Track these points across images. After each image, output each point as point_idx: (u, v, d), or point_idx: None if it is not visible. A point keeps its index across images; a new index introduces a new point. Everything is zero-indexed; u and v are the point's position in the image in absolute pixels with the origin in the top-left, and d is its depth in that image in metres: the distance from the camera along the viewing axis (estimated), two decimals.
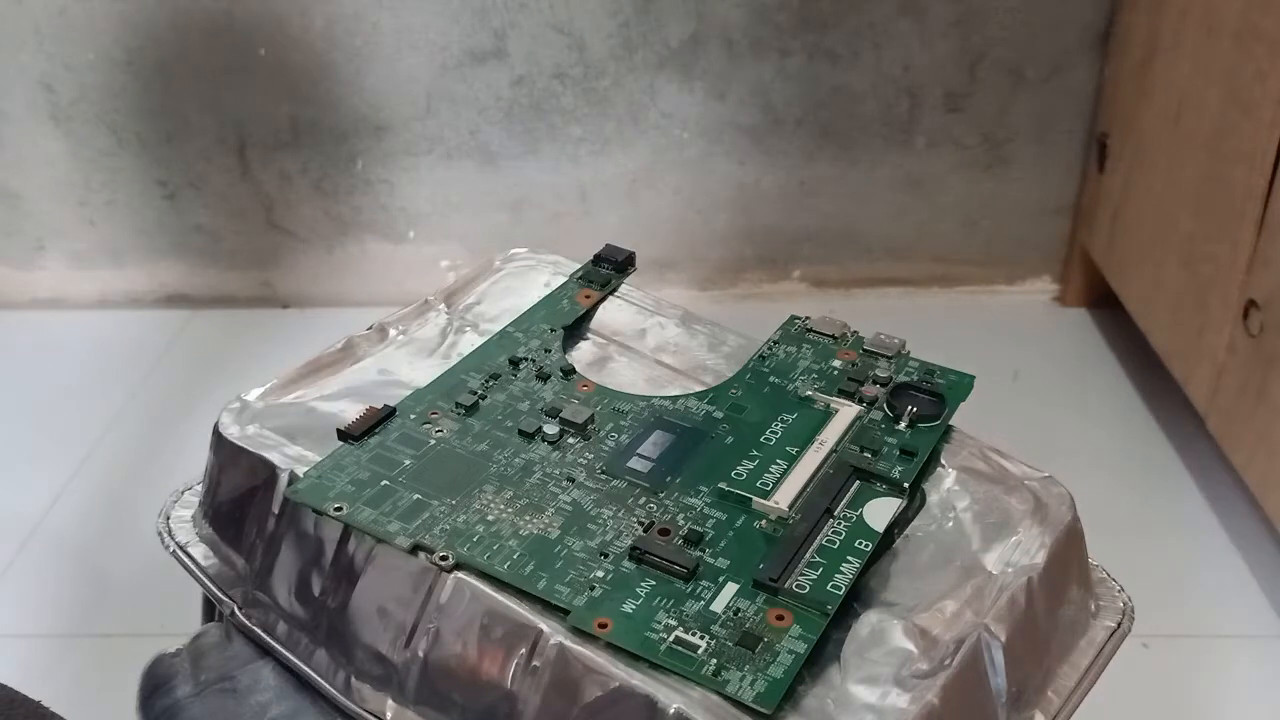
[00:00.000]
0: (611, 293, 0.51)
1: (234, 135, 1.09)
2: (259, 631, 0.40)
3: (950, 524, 0.40)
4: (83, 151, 1.09)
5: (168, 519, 0.45)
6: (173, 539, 0.44)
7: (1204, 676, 0.74)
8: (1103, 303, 1.10)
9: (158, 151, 1.10)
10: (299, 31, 1.04)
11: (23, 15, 1.03)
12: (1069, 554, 0.40)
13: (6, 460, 0.95)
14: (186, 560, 0.43)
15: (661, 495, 0.40)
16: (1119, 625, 0.41)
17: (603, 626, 0.34)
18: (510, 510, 0.39)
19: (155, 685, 0.41)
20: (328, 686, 0.38)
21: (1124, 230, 1.00)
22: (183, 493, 0.46)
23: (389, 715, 0.37)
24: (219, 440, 0.43)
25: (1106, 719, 0.71)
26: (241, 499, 0.42)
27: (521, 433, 0.42)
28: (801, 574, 0.36)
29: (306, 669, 0.39)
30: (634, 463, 0.41)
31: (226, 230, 1.14)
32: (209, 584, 0.42)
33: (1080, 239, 1.09)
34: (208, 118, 1.08)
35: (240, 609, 0.41)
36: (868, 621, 0.35)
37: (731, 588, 0.36)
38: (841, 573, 0.36)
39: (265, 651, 0.41)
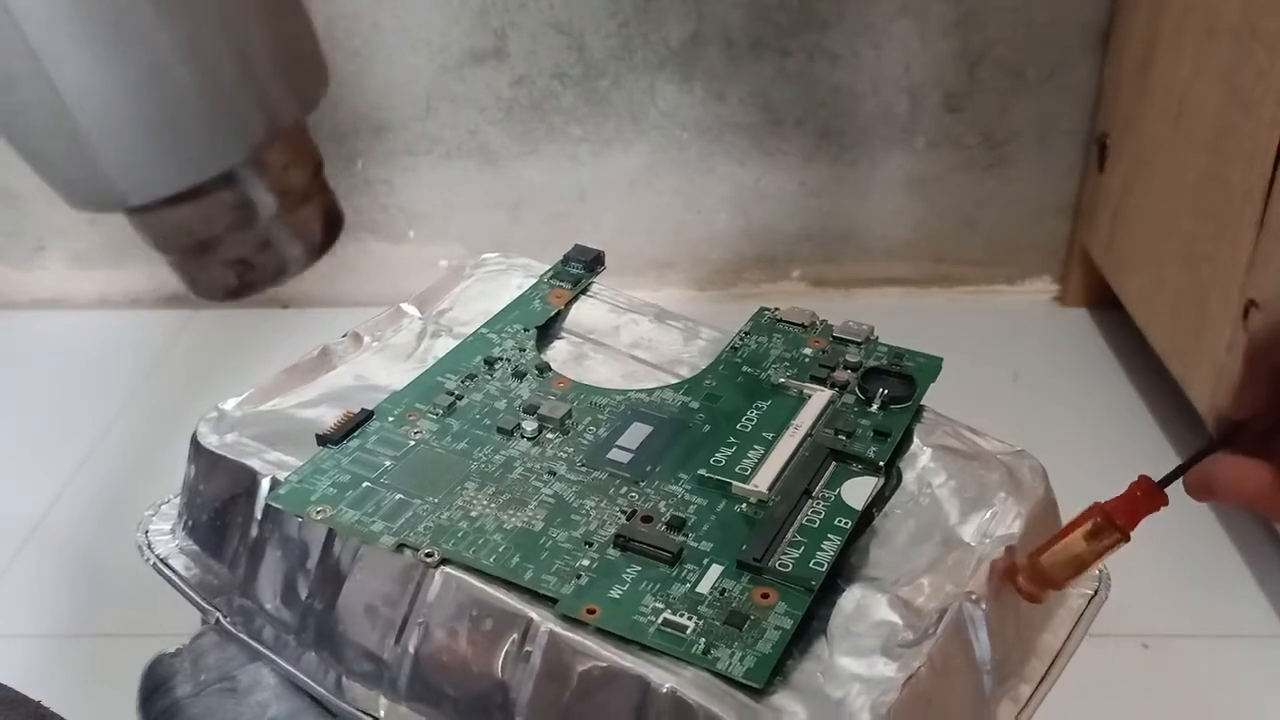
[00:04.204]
0: (583, 291, 0.52)
1: None
2: (245, 638, 0.41)
3: (927, 500, 0.40)
4: None
5: (146, 532, 0.45)
6: (152, 552, 0.44)
7: (1204, 676, 0.74)
8: (1103, 303, 1.10)
9: None
10: None
11: None
12: (1044, 524, 0.40)
13: (6, 460, 0.95)
14: (168, 572, 0.43)
15: (642, 484, 0.40)
16: (1095, 592, 0.41)
17: (591, 613, 0.35)
18: (493, 505, 0.39)
19: (155, 685, 0.41)
20: (318, 688, 0.38)
21: (1124, 230, 1.00)
22: (160, 505, 0.46)
23: (382, 713, 0.37)
24: (198, 450, 0.43)
25: (1107, 719, 0.71)
26: (222, 507, 0.42)
27: (500, 430, 0.42)
28: (784, 553, 0.37)
29: (296, 672, 0.39)
30: (614, 454, 0.41)
31: None
32: (192, 594, 0.42)
33: (1080, 239, 1.09)
34: None
35: (225, 616, 0.41)
36: (852, 596, 0.36)
37: (716, 569, 0.36)
38: (823, 550, 0.37)
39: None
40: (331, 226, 0.25)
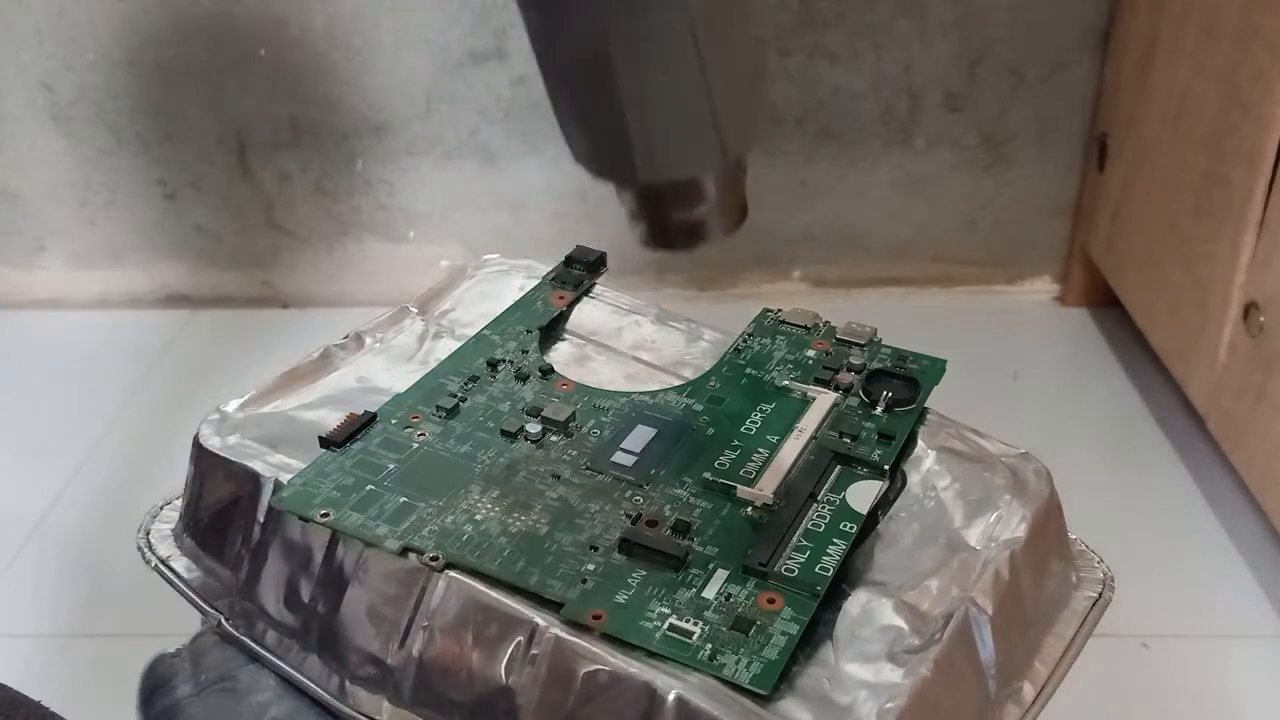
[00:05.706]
0: (585, 293, 0.52)
1: (234, 135, 1.09)
2: (248, 641, 0.40)
3: (932, 503, 0.40)
4: (83, 151, 1.09)
5: (147, 534, 0.44)
6: (154, 554, 0.44)
7: (1204, 676, 0.74)
8: (1103, 303, 1.10)
9: (158, 151, 1.10)
10: (299, 31, 1.04)
11: (23, 15, 1.03)
12: (1049, 527, 0.40)
13: (6, 460, 0.95)
14: (169, 574, 0.43)
15: (647, 488, 0.40)
16: (1100, 595, 0.41)
17: (597, 618, 0.34)
18: (498, 509, 0.39)
19: (155, 685, 0.41)
20: (322, 693, 0.38)
21: (1124, 230, 1.00)
22: (161, 507, 0.46)
23: (385, 717, 0.37)
24: (200, 452, 0.43)
25: (1107, 719, 0.71)
26: (225, 510, 0.42)
27: (504, 433, 0.42)
28: (789, 558, 0.37)
29: (299, 675, 0.39)
30: (618, 457, 0.41)
31: (226, 230, 1.14)
32: (194, 597, 0.42)
33: (1080, 239, 1.09)
34: (208, 118, 1.08)
35: (227, 620, 0.41)
36: (858, 601, 0.36)
37: (722, 574, 0.36)
38: (829, 554, 0.37)
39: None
40: (742, 216, 0.33)
